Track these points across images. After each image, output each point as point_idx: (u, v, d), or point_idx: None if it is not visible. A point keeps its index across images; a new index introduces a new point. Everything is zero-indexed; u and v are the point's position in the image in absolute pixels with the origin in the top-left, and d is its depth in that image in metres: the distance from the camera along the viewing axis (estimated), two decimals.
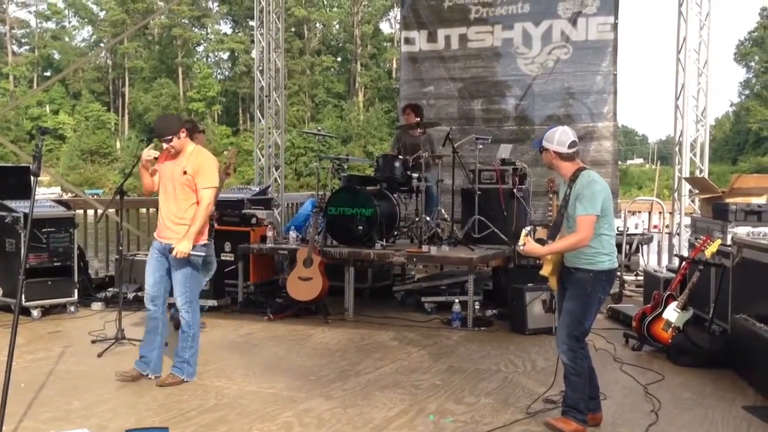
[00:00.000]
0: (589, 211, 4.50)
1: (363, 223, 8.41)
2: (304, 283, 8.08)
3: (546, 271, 4.74)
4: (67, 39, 72.36)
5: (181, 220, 5.68)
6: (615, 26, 10.81)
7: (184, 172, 5.63)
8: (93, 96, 67.57)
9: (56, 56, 69.65)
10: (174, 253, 5.56)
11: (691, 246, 8.34)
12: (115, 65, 70.36)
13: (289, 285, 8.19)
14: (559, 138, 4.63)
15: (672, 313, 6.64)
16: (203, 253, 5.75)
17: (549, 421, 4.77)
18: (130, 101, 66.51)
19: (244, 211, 9.53)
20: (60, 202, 9.26)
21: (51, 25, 73.15)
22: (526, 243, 4.59)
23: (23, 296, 7.72)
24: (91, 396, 5.40)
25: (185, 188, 5.66)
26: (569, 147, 4.64)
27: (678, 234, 10.33)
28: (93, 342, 7.00)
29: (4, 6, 69.31)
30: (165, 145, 5.63)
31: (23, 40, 72.69)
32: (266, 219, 9.52)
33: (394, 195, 8.82)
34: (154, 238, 5.89)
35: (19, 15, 71.53)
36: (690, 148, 10.26)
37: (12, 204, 8.22)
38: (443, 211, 9.39)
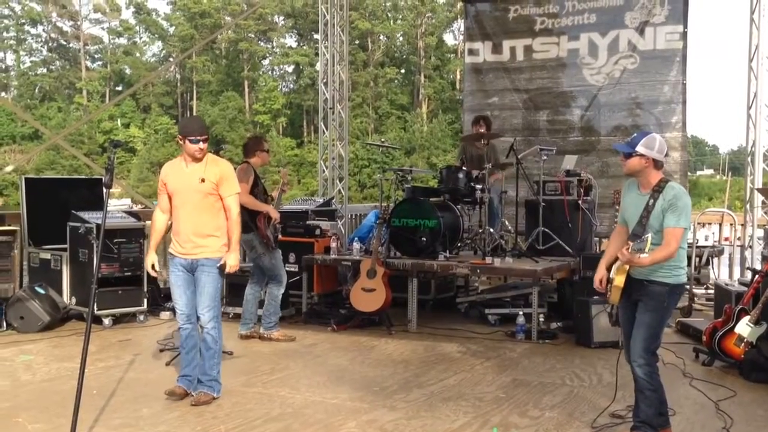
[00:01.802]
0: (680, 224, 4.46)
1: (426, 234, 8.41)
2: (368, 294, 8.11)
3: (620, 282, 4.62)
4: (138, 54, 74.29)
5: (213, 232, 5.50)
6: (684, 35, 10.61)
7: (202, 180, 5.42)
8: (162, 109, 69.20)
9: (127, 71, 71.58)
10: (228, 269, 5.46)
11: (764, 259, 8.10)
12: (183, 79, 72.05)
13: (353, 296, 8.23)
14: (659, 146, 4.60)
15: (744, 328, 6.43)
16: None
17: None
18: (198, 114, 67.82)
19: (308, 222, 9.63)
20: (130, 213, 9.48)
21: (123, 41, 75.23)
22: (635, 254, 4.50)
23: (95, 305, 7.95)
24: (159, 403, 5.50)
25: (209, 197, 5.47)
26: (665, 156, 4.66)
27: (750, 246, 10.08)
28: (161, 351, 7.15)
29: (79, 23, 71.72)
30: (201, 145, 5.38)
31: (96, 56, 74.96)
32: (330, 230, 9.57)
33: (458, 206, 8.80)
34: (171, 255, 5.61)
35: (93, 31, 73.90)
36: (763, 159, 10.01)
37: (85, 215, 8.42)
38: (507, 222, 9.31)
